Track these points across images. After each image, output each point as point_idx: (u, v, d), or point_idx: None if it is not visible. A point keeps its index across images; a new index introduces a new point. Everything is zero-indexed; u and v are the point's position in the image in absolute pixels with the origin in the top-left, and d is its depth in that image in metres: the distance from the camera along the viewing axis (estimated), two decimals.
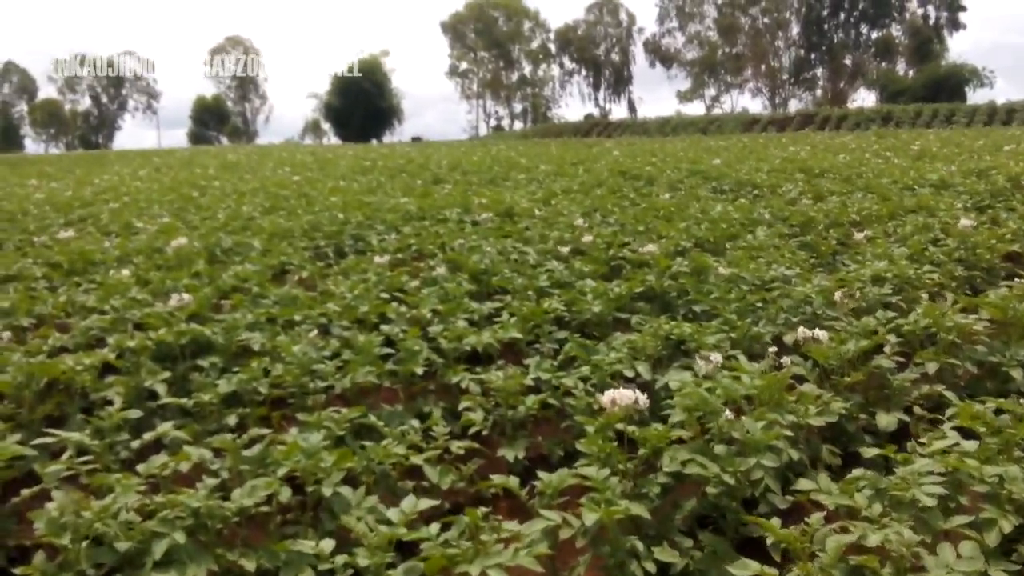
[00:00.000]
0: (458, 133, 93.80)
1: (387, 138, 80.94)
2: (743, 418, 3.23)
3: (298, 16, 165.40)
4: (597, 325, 5.48)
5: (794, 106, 76.47)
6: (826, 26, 79.22)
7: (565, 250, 7.18)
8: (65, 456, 3.50)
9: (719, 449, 3.13)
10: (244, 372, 4.16)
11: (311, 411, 4.17)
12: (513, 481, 3.01)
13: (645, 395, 3.16)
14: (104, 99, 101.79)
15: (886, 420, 3.89)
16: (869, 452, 3.20)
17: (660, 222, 8.96)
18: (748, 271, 6.18)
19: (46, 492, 3.43)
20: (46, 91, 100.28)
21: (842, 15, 78.80)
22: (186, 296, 5.29)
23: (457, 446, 3.67)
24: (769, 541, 2.65)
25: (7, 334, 5.08)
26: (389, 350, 4.75)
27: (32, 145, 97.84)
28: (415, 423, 3.71)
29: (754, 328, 5.02)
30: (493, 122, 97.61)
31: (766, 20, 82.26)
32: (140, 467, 3.08)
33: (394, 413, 4.20)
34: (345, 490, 3.00)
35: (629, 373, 4.24)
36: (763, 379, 3.46)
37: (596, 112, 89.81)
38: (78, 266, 7.50)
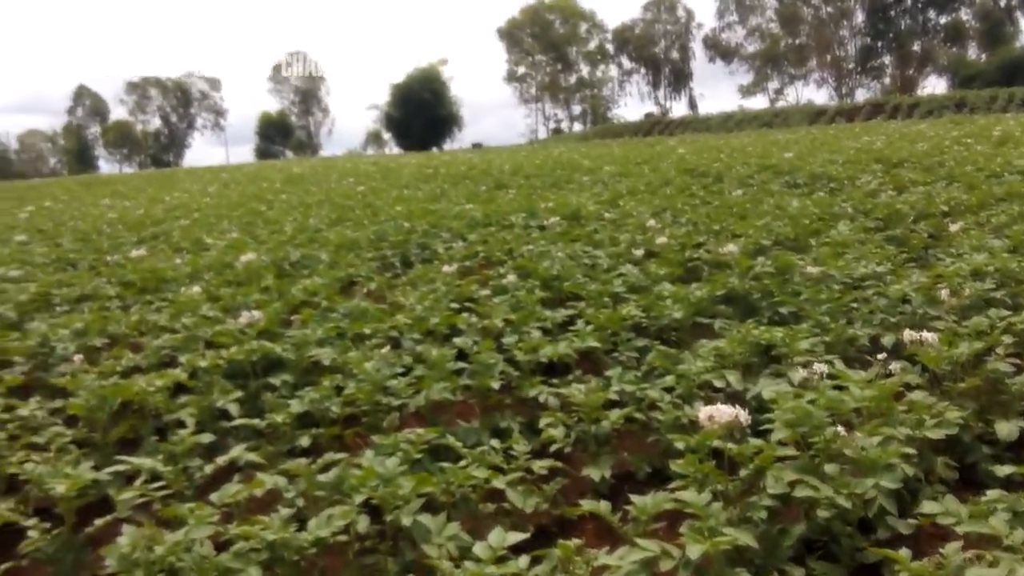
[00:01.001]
0: (516, 138, 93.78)
1: (447, 146, 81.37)
2: (855, 433, 2.95)
3: (357, 29, 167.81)
4: (677, 331, 5.22)
5: (861, 96, 74.50)
6: (892, 12, 76.86)
7: (639, 253, 6.91)
8: (138, 482, 3.41)
9: (829, 468, 2.85)
10: (316, 391, 4.02)
11: (385, 430, 4.02)
12: (604, 506, 2.79)
13: (746, 410, 2.90)
14: (173, 118, 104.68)
15: (1007, 429, 3.54)
16: (1002, 470, 2.88)
17: (734, 220, 8.64)
18: (836, 269, 5.83)
19: (120, 521, 3.36)
20: (117, 113, 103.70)
21: (908, 1, 76.38)
22: (256, 313, 5.20)
23: (539, 465, 3.45)
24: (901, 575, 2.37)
25: (79, 356, 5.05)
26: (461, 363, 4.58)
27: (105, 165, 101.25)
28: (495, 442, 3.51)
29: (849, 330, 4.70)
30: (552, 125, 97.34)
31: (829, 9, 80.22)
32: (214, 496, 2.94)
33: (470, 430, 4.02)
34: (425, 518, 2.81)
35: (719, 383, 3.97)
36: (873, 389, 3.16)
37: (656, 111, 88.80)
38: (150, 284, 7.54)
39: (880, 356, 3.57)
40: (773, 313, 5.44)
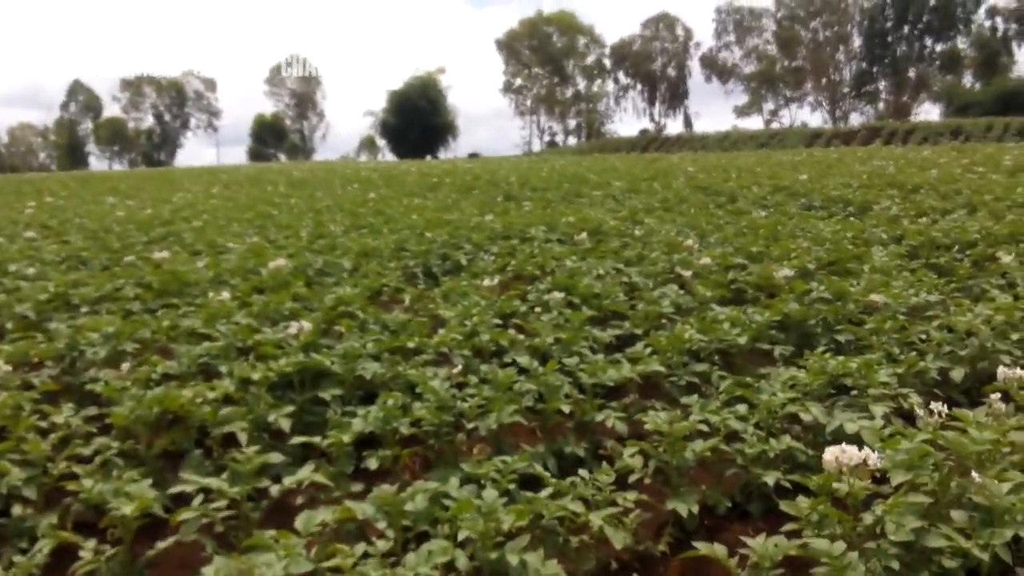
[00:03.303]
0: (510, 149, 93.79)
1: (442, 154, 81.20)
2: (980, 478, 2.78)
3: (355, 34, 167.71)
4: (735, 356, 5.06)
5: (855, 120, 74.98)
6: (889, 38, 77.49)
7: (687, 273, 6.75)
8: (197, 502, 3.21)
9: (956, 516, 2.69)
10: (382, 409, 3.82)
11: (452, 454, 3.85)
12: (720, 550, 2.62)
13: (876, 454, 2.73)
14: (167, 117, 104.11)
15: None
16: None
17: (763, 241, 8.50)
18: (890, 297, 5.68)
19: (182, 545, 3.16)
20: (111, 109, 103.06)
21: (906, 28, 77.04)
22: (305, 324, 5.00)
23: (623, 498, 3.27)
24: None
25: (125, 365, 4.83)
26: (521, 384, 4.38)
27: (96, 162, 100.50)
28: (584, 472, 3.32)
29: (920, 363, 4.55)
30: (547, 138, 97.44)
31: (827, 33, 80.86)
32: (298, 524, 2.74)
33: (536, 455, 3.84)
34: (532, 558, 2.62)
35: (806, 417, 3.80)
36: (991, 431, 2.99)
37: (651, 127, 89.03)
38: (171, 287, 7.31)
39: (995, 395, 3.41)
40: (830, 341, 5.29)
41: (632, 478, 3.58)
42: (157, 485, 3.50)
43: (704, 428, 3.65)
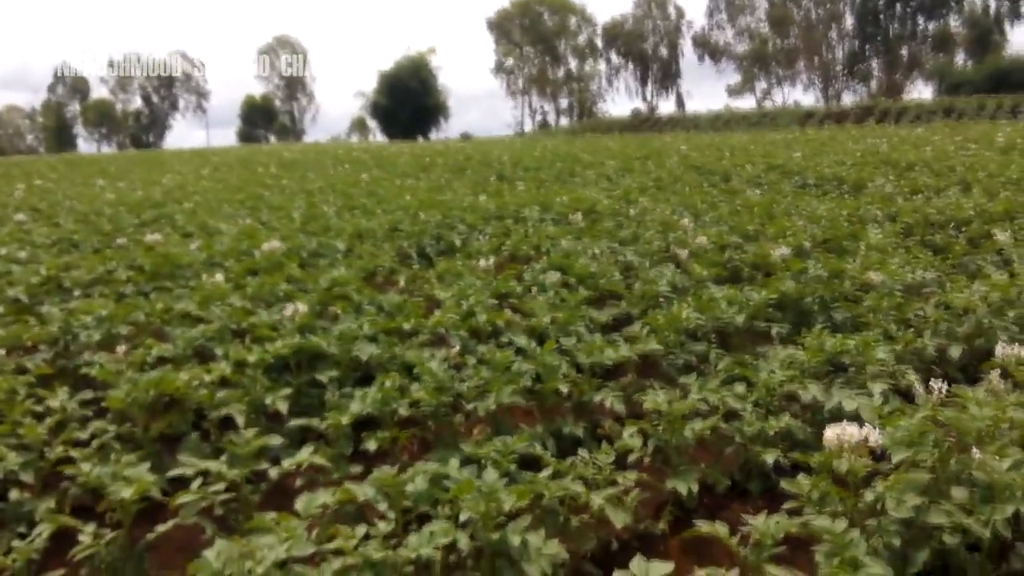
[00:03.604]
0: (502, 129, 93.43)
1: (433, 135, 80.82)
2: (980, 455, 2.78)
3: (344, 15, 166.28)
4: (732, 335, 5.06)
5: (847, 99, 74.72)
6: (881, 17, 77.18)
7: (683, 253, 6.73)
8: (195, 485, 3.19)
9: (957, 493, 2.69)
10: (380, 391, 3.80)
11: (451, 435, 3.84)
12: (722, 529, 2.61)
13: (877, 431, 2.72)
14: (155, 99, 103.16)
15: None
16: None
17: (761, 221, 8.49)
18: (887, 275, 5.68)
19: (181, 528, 3.15)
20: (98, 91, 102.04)
21: (898, 6, 76.62)
22: (301, 306, 4.97)
23: (623, 478, 3.27)
24: None
25: (121, 348, 4.80)
26: (519, 365, 4.37)
27: (84, 145, 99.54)
28: (583, 453, 3.32)
29: (917, 340, 4.55)
30: (539, 118, 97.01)
31: (819, 12, 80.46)
32: (299, 506, 2.73)
33: (534, 435, 3.83)
34: (534, 538, 2.62)
35: (805, 395, 3.79)
36: (991, 408, 2.99)
37: (643, 107, 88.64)
38: (163, 269, 7.26)
39: (994, 372, 3.41)
40: (826, 319, 5.29)
41: (631, 458, 3.58)
42: (155, 468, 3.48)
43: (703, 407, 3.64)
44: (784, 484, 2.86)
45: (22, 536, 3.37)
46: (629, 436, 3.50)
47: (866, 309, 5.04)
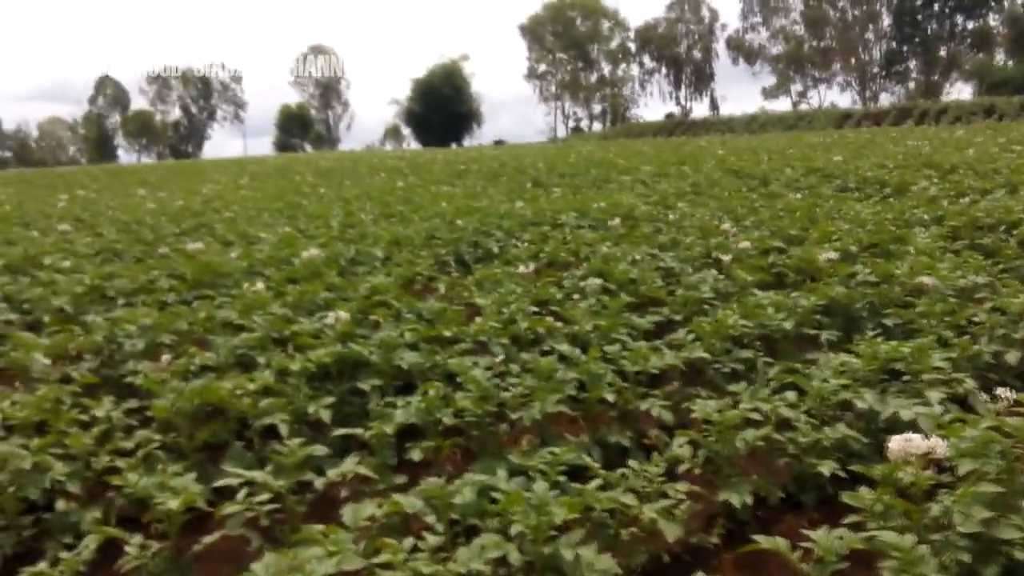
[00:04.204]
0: (535, 135, 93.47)
1: (466, 142, 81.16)
2: None
3: (378, 23, 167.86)
4: (781, 342, 4.95)
5: (885, 100, 73.81)
6: (919, 17, 76.06)
7: (726, 258, 6.62)
8: (241, 495, 3.17)
9: None
10: (424, 400, 3.75)
11: (495, 445, 3.78)
12: (783, 543, 2.53)
13: (944, 443, 2.62)
14: (193, 109, 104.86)
15: None
16: None
17: (800, 224, 8.34)
18: (939, 279, 5.52)
19: (228, 539, 3.12)
20: (138, 102, 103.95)
21: (936, 5, 75.52)
22: (342, 314, 4.95)
23: (674, 489, 3.19)
24: None
25: (165, 357, 4.82)
26: (564, 372, 4.30)
27: (124, 155, 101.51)
28: (633, 463, 3.24)
29: (974, 347, 4.41)
30: (572, 123, 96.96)
31: (856, 12, 79.52)
32: (346, 518, 2.69)
33: (580, 445, 3.77)
34: (586, 552, 2.55)
35: (861, 404, 3.68)
36: None
37: (676, 111, 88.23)
38: (204, 278, 7.31)
39: None
40: (876, 325, 5.16)
41: (681, 468, 3.50)
42: (200, 478, 3.47)
43: (756, 416, 3.54)
44: (846, 497, 2.75)
45: (69, 547, 3.38)
46: (679, 446, 3.42)
47: (918, 314, 4.90)
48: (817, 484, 3.56)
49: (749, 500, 3.28)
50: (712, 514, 3.50)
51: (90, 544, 3.00)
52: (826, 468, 3.38)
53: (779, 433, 3.61)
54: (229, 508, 3.09)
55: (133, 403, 4.45)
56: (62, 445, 3.84)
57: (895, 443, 2.60)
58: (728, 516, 3.43)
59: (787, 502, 3.63)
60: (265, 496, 3.17)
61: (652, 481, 3.18)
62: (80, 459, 3.79)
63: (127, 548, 3.03)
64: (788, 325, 4.84)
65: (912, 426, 3.53)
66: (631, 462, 3.24)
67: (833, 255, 6.13)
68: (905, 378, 4.14)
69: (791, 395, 3.88)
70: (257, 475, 3.12)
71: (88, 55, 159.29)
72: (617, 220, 9.00)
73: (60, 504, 3.61)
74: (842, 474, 3.43)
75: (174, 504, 2.92)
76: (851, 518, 2.72)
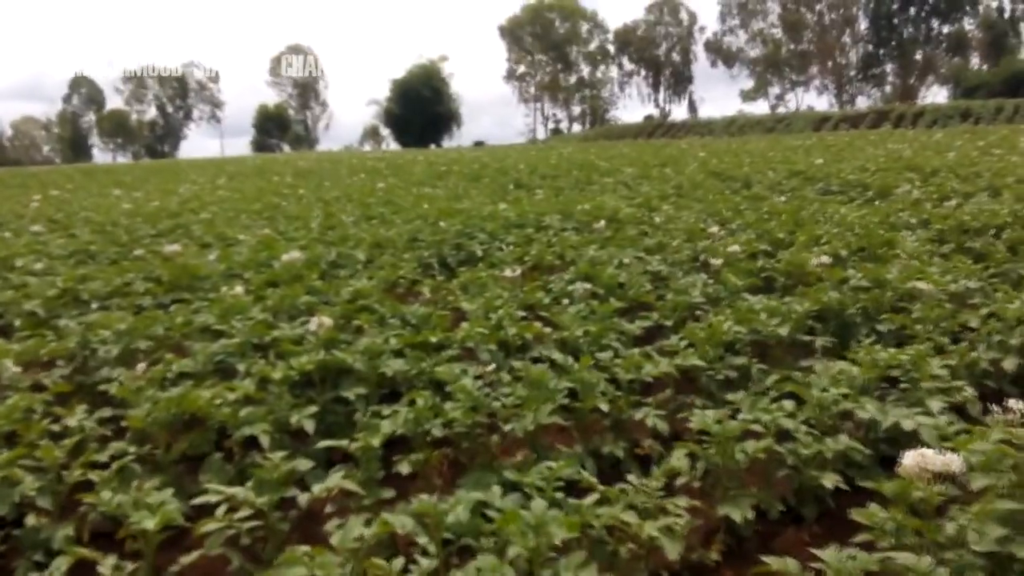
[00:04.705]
0: (514, 137, 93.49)
1: (446, 143, 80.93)
2: None
3: (357, 23, 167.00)
4: (774, 349, 4.85)
5: (862, 103, 74.37)
6: (895, 21, 76.76)
7: (717, 261, 6.52)
8: (220, 512, 3.01)
9: None
10: (413, 410, 3.61)
11: (486, 456, 3.65)
12: (792, 565, 2.41)
13: (959, 458, 2.52)
14: (169, 109, 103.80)
15: None
16: None
17: (787, 228, 8.27)
18: (933, 283, 5.45)
19: (207, 559, 2.97)
20: (113, 101, 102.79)
21: (912, 9, 76.28)
22: (326, 319, 4.79)
23: (674, 504, 3.07)
24: None
25: (141, 365, 4.64)
26: (556, 381, 4.18)
27: (100, 154, 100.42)
28: (632, 478, 3.12)
29: (971, 353, 4.34)
30: (551, 125, 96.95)
31: (833, 16, 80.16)
32: (334, 540, 2.54)
33: (574, 456, 3.64)
34: (588, 573, 2.43)
35: (862, 414, 3.58)
36: None
37: (655, 113, 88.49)
38: (182, 281, 7.12)
39: None
40: (870, 331, 5.08)
41: (679, 481, 3.39)
42: (177, 492, 3.31)
43: (756, 428, 3.43)
44: (855, 515, 2.65)
45: (39, 564, 3.22)
46: (677, 459, 3.30)
47: (913, 320, 4.82)
48: (817, 497, 3.46)
49: (750, 515, 3.17)
50: (711, 529, 3.39)
51: (61, 566, 2.83)
52: (829, 481, 3.28)
53: (779, 444, 3.51)
54: (208, 525, 2.93)
55: (107, 412, 4.28)
56: (33, 457, 3.67)
57: (909, 459, 2.49)
58: (728, 530, 3.32)
59: (787, 515, 3.52)
60: (246, 512, 3.03)
61: (651, 496, 3.06)
62: (51, 472, 3.62)
63: (100, 569, 2.87)
64: (783, 331, 4.75)
65: (914, 437, 3.44)
66: (629, 476, 3.12)
67: (825, 259, 6.04)
68: (903, 386, 4.06)
69: (789, 404, 3.78)
70: (238, 491, 2.96)
71: (62, 53, 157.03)
72: (602, 223, 8.90)
73: (30, 520, 3.44)
74: (843, 486, 3.34)
75: (150, 524, 2.77)
76: (860, 536, 2.62)
